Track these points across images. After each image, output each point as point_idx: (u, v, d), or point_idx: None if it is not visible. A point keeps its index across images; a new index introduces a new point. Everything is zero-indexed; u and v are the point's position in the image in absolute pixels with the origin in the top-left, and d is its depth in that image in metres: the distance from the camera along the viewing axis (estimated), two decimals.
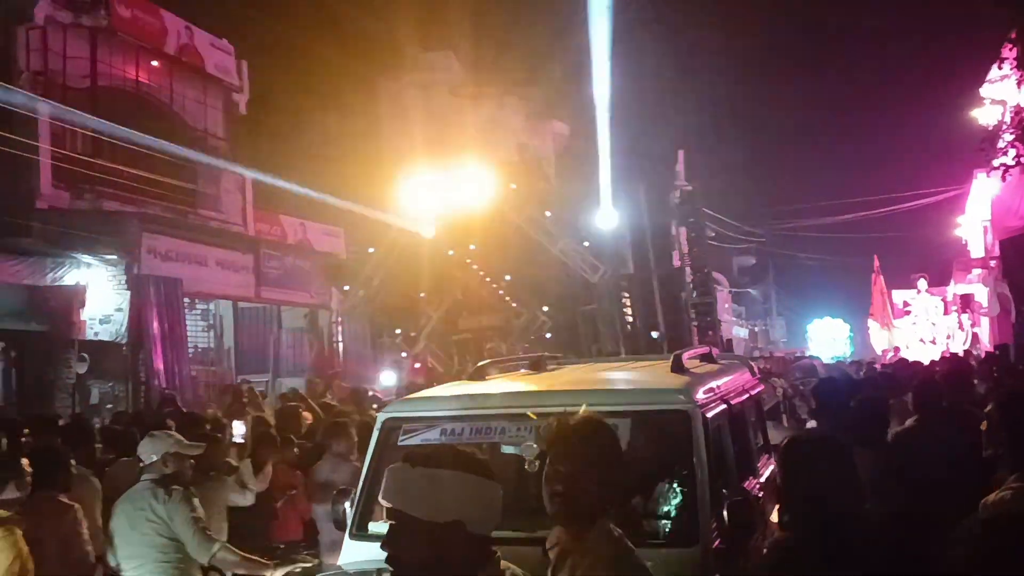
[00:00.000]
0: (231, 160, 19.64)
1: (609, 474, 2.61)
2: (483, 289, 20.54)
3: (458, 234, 19.89)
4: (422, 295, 20.25)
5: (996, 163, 17.64)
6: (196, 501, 4.93)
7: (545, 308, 20.25)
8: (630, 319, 21.48)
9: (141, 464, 4.96)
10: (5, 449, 6.61)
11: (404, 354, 20.17)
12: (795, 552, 2.86)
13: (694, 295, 22.21)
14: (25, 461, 4.66)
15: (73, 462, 5.37)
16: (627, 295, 21.55)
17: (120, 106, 16.65)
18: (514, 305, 20.40)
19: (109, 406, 14.15)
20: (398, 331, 20.39)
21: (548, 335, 19.83)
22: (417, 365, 19.46)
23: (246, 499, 6.05)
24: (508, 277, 20.28)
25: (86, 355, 14.15)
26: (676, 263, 22.85)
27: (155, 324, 14.47)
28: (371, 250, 20.36)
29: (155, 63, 18.33)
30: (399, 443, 4.27)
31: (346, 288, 20.31)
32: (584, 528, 2.57)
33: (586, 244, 20.46)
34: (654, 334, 20.11)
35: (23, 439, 7.19)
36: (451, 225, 19.73)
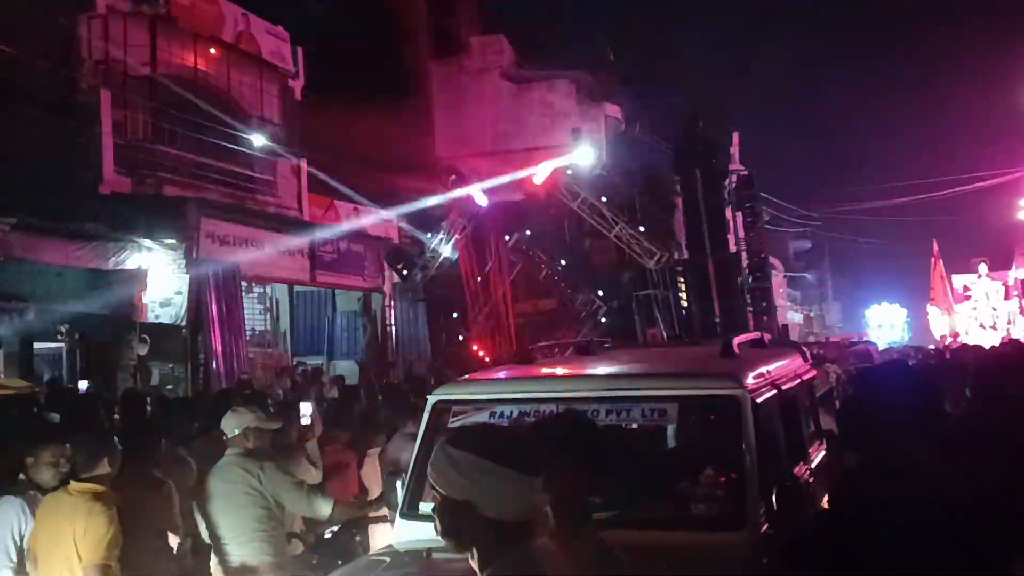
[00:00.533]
0: (286, 146, 19.92)
1: (576, 479, 2.53)
2: (539, 274, 20.69)
3: (515, 219, 20.06)
4: (479, 279, 20.45)
5: None
6: (288, 467, 5.15)
7: (600, 292, 20.33)
8: (685, 304, 21.42)
9: (225, 438, 5.12)
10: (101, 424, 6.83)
11: (461, 337, 20.41)
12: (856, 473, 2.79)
13: (750, 280, 21.98)
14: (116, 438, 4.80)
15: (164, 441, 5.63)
16: (682, 280, 21.47)
17: (179, 93, 16.97)
18: (569, 290, 20.52)
19: (169, 387, 14.52)
20: (456, 315, 20.63)
21: (603, 319, 19.90)
22: (475, 347, 19.64)
23: (316, 476, 6.20)
24: (564, 262, 20.40)
25: (147, 337, 14.50)
26: (732, 248, 22.64)
27: (213, 307, 14.76)
28: (429, 235, 20.60)
29: (213, 50, 18.61)
30: (449, 425, 4.36)
31: (405, 272, 20.56)
32: (567, 538, 2.49)
33: (642, 229, 20.42)
34: (715, 320, 20.01)
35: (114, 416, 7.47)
36: (508, 210, 19.87)
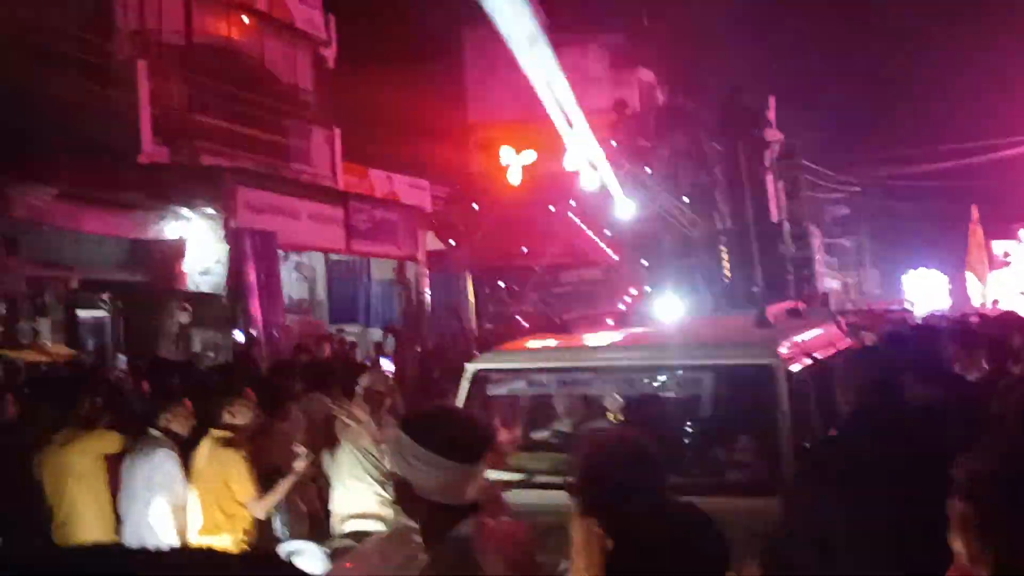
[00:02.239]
0: (320, 114, 19.99)
1: None
2: (584, 243, 20.72)
3: (559, 189, 20.10)
4: (525, 249, 20.57)
5: None
6: None
7: (644, 262, 20.40)
8: (728, 273, 21.53)
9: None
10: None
11: (509, 307, 20.63)
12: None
13: (791, 249, 22.02)
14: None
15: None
16: (724, 249, 21.56)
17: (213, 63, 17.07)
18: (615, 259, 20.55)
19: (211, 354, 14.75)
20: (501, 283, 20.76)
21: (647, 288, 20.04)
22: (520, 317, 19.78)
23: None
24: (608, 232, 20.40)
25: (188, 305, 14.73)
26: (774, 217, 22.62)
27: (252, 275, 14.93)
28: (475, 206, 20.71)
29: (245, 19, 18.67)
30: (488, 393, 4.45)
31: (452, 242, 20.70)
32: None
33: (685, 199, 20.49)
34: (754, 288, 20.06)
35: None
36: (551, 179, 19.93)
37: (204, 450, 5.25)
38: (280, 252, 16.60)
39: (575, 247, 21.02)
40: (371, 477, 5.56)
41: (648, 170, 20.28)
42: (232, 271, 14.83)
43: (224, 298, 14.93)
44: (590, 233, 20.29)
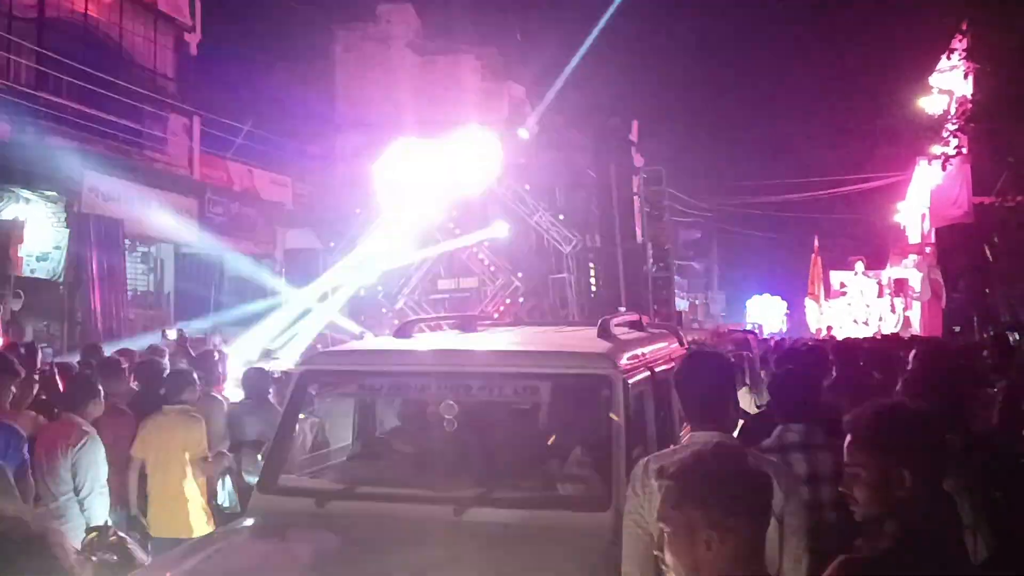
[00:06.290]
0: (179, 102, 19.26)
1: None
2: (462, 253, 21.06)
3: (440, 199, 20.40)
4: (406, 256, 20.86)
5: (937, 151, 18.04)
6: None
7: (519, 274, 20.99)
8: (595, 289, 22.60)
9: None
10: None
11: (384, 310, 20.65)
12: None
13: (653, 269, 23.29)
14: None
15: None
16: (593, 266, 22.65)
17: (67, 39, 16.22)
18: (492, 269, 21.02)
19: (44, 345, 13.92)
20: (380, 288, 20.83)
21: (520, 299, 20.64)
22: (396, 321, 19.78)
23: None
24: (486, 243, 20.85)
25: (21, 292, 13.87)
26: (639, 239, 23.86)
27: (94, 264, 14.23)
28: (358, 211, 20.71)
29: None
30: (316, 397, 4.26)
31: (332, 244, 20.63)
32: None
33: (560, 217, 21.38)
34: (621, 308, 20.97)
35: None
36: (434, 190, 20.23)
37: (159, 423, 5.95)
38: (127, 241, 15.90)
39: (453, 256, 21.32)
40: None
41: (527, 187, 21.04)
42: (72, 258, 14.08)
43: (61, 286, 14.15)
44: (469, 243, 20.58)
